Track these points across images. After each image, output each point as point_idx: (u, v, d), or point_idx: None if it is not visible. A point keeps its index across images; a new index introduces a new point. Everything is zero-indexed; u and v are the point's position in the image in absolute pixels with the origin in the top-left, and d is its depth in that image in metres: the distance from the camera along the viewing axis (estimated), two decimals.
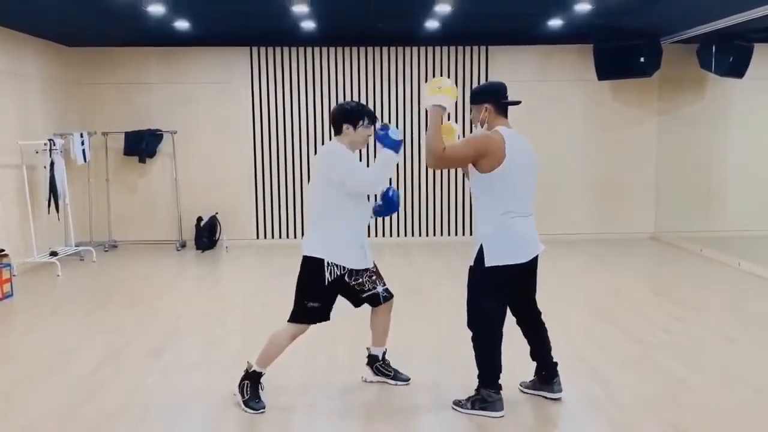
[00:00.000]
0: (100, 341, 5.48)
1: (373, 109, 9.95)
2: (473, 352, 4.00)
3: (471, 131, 4.11)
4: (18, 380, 4.63)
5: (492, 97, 3.98)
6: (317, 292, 4.02)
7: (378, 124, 4.11)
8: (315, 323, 4.10)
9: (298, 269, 4.10)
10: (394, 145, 4.01)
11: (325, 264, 4.00)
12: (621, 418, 3.93)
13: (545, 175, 9.99)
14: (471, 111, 4.10)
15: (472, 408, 3.98)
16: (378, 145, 4.06)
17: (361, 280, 4.18)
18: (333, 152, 4.08)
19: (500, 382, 3.98)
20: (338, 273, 4.04)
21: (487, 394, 3.96)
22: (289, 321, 4.08)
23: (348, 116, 4.09)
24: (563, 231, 10.24)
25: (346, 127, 4.08)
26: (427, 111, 3.97)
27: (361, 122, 4.08)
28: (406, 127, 10.15)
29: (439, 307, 6.54)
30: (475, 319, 3.96)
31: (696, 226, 10.04)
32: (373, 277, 4.25)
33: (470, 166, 3.91)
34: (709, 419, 3.91)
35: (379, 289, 4.26)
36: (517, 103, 4.05)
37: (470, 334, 4.01)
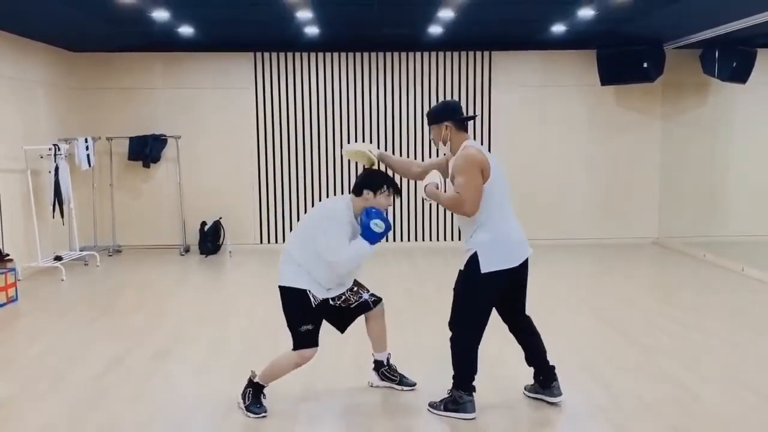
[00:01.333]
0: (104, 347, 5.49)
1: (377, 115, 10.09)
2: (451, 352, 4.06)
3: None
4: (22, 386, 4.64)
5: (450, 116, 4.07)
6: (308, 315, 4.06)
7: (372, 212, 4.07)
8: (314, 347, 4.10)
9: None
10: (371, 238, 4.03)
11: (308, 291, 4.06)
12: (624, 423, 3.93)
13: (549, 179, 10.12)
14: (430, 132, 4.18)
15: (445, 410, 4.04)
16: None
17: (344, 296, 4.26)
18: (330, 217, 4.07)
19: (474, 384, 4.02)
20: (321, 298, 4.11)
21: (458, 396, 4.00)
22: (293, 349, 4.11)
23: (372, 182, 4.13)
24: (566, 236, 10.24)
25: (367, 192, 4.11)
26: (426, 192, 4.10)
27: (382, 190, 4.12)
28: (409, 133, 10.18)
29: (444, 311, 6.53)
30: (461, 322, 4.03)
31: (699, 231, 10.03)
32: (354, 288, 4.32)
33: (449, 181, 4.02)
34: (712, 424, 3.92)
35: (365, 296, 4.34)
36: (474, 117, 4.14)
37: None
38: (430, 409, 4.11)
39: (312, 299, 4.06)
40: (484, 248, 3.89)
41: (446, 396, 4.08)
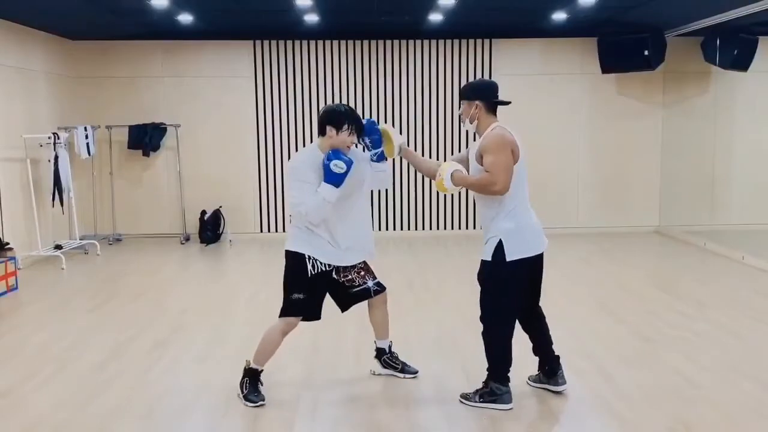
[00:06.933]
0: (105, 336, 5.50)
1: (377, 103, 10.06)
2: (485, 345, 4.00)
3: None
4: (24, 375, 4.64)
5: (484, 95, 3.95)
6: (301, 283, 4.05)
7: (330, 154, 3.95)
8: (304, 319, 4.11)
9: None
10: (334, 180, 3.89)
11: (307, 257, 4.04)
12: (627, 413, 3.94)
13: (550, 168, 10.10)
14: (460, 106, 4.07)
15: (480, 401, 4.00)
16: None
17: (350, 276, 4.22)
18: (293, 170, 4.01)
19: (509, 375, 4.00)
20: (322, 268, 4.07)
21: (496, 387, 3.97)
22: (279, 316, 4.12)
23: (333, 119, 4.03)
24: (567, 224, 10.24)
25: (330, 129, 4.02)
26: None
27: (345, 127, 4.01)
28: (409, 121, 10.15)
29: (444, 299, 6.55)
30: (491, 314, 3.95)
31: (700, 219, 10.03)
32: (362, 273, 4.28)
33: (477, 166, 3.91)
34: (713, 413, 3.92)
35: (370, 283, 4.29)
36: (508, 103, 4.01)
37: (479, 328, 4.01)
38: (464, 401, 4.04)
39: (309, 267, 4.02)
40: (509, 235, 3.82)
41: (482, 387, 4.03)
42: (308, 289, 4.06)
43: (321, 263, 4.06)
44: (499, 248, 3.83)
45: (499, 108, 3.98)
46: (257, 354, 4.13)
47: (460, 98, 4.04)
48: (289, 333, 4.14)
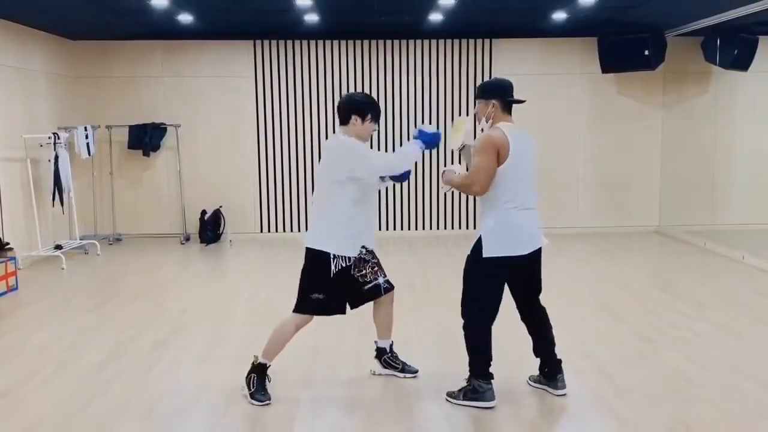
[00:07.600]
0: (105, 336, 5.49)
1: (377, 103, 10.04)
2: (465, 340, 4.02)
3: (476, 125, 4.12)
4: (24, 375, 4.64)
5: (499, 94, 4.00)
6: (323, 283, 4.04)
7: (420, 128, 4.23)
8: (323, 315, 4.13)
9: (303, 260, 4.14)
10: (425, 137, 4.15)
11: (331, 256, 4.02)
12: (627, 413, 3.93)
13: (550, 168, 10.08)
14: (475, 105, 4.12)
15: (464, 399, 4.01)
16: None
17: (364, 271, 4.21)
18: (345, 144, 4.08)
19: (491, 371, 4.00)
20: (343, 265, 4.07)
21: (477, 385, 3.98)
22: (293, 311, 4.11)
23: (358, 108, 4.11)
24: (567, 224, 10.23)
25: (354, 119, 4.09)
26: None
27: (369, 116, 4.11)
28: (410, 121, 10.15)
29: (444, 299, 6.54)
30: (469, 309, 3.99)
31: (700, 219, 10.03)
32: (375, 268, 4.29)
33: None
34: (715, 415, 3.91)
35: (380, 280, 4.29)
36: (522, 101, 4.06)
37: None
38: (449, 399, 4.06)
39: (333, 267, 4.02)
40: (488, 233, 3.87)
41: (465, 385, 4.04)
42: (329, 288, 4.06)
43: (344, 259, 4.06)
44: (479, 244, 3.88)
45: None
46: (267, 348, 4.13)
47: (476, 98, 4.10)
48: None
